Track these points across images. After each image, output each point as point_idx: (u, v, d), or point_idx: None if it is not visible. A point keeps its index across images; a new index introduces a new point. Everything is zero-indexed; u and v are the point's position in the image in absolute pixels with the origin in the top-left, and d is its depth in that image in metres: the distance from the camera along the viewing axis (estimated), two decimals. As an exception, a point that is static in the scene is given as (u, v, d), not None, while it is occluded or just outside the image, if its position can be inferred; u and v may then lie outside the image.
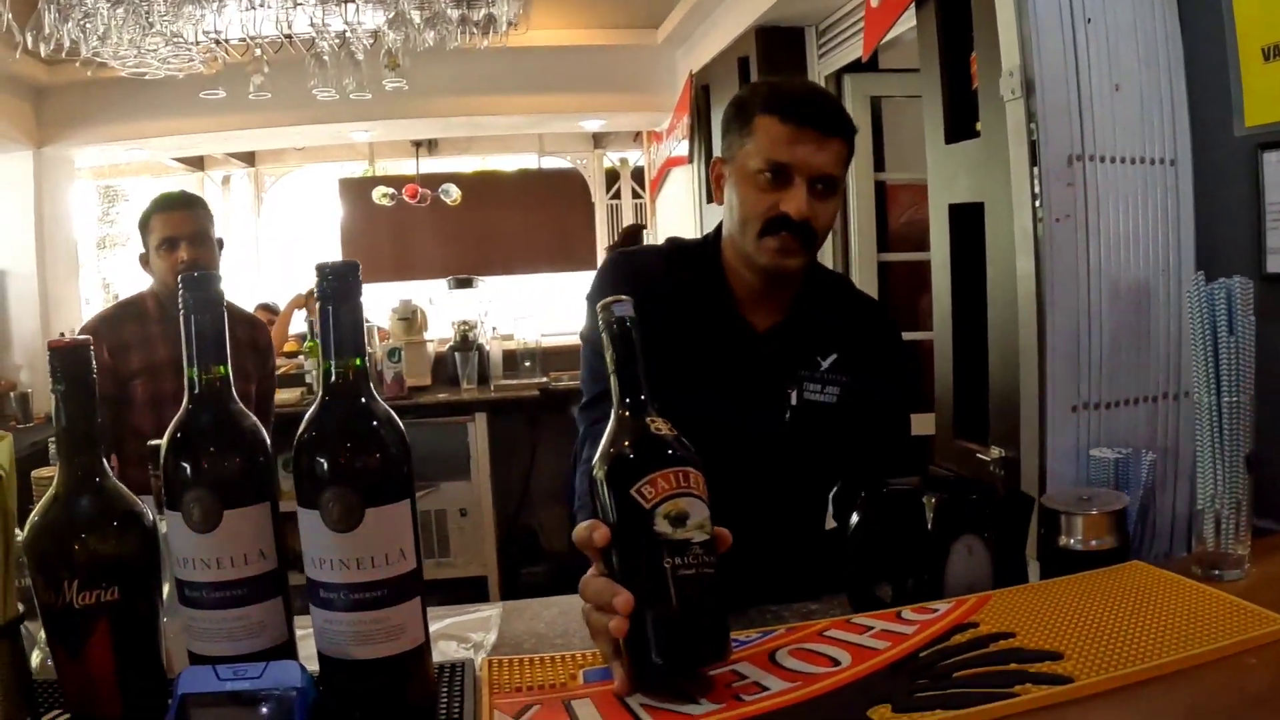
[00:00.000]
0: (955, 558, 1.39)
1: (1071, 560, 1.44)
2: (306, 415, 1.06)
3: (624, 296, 1.20)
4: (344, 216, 8.33)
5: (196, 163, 8.15)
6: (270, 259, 8.56)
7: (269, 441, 1.11)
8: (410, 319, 5.28)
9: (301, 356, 5.38)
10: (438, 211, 8.09)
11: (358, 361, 1.05)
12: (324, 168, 8.63)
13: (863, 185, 3.82)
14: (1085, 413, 1.78)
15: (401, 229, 8.32)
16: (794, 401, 1.74)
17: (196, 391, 1.07)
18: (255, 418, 1.11)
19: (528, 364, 5.63)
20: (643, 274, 1.78)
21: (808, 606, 1.61)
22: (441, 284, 6.56)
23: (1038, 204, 1.75)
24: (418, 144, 8.11)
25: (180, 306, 1.06)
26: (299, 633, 1.12)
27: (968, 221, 2.30)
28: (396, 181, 8.12)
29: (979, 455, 2.18)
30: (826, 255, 3.85)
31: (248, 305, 6.07)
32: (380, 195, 7.96)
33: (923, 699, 1.04)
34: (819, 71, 3.91)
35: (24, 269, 5.36)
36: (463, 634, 1.60)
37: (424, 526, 5.06)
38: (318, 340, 5.09)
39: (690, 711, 1.05)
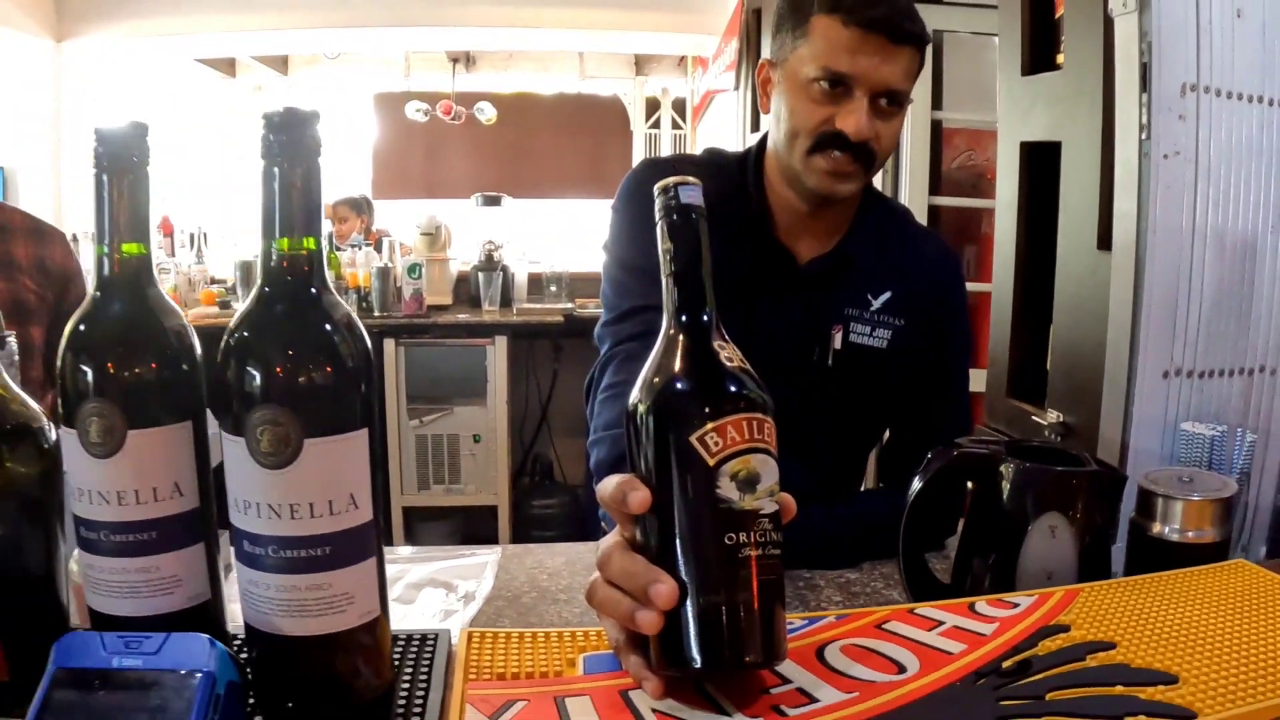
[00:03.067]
0: (1034, 539, 1.17)
1: (1164, 552, 1.22)
2: (238, 311, 0.83)
3: (692, 180, 0.93)
4: (376, 131, 8.25)
5: (227, 68, 8.01)
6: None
7: (197, 347, 0.87)
8: (433, 234, 5.08)
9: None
10: (472, 130, 8.03)
11: (310, 243, 0.81)
12: (358, 79, 8.42)
13: (919, 122, 3.62)
14: (1178, 380, 1.55)
15: (434, 146, 8.27)
16: (838, 344, 1.56)
17: (106, 273, 0.84)
18: (180, 315, 0.87)
19: (553, 289, 5.42)
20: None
21: (845, 575, 1.43)
22: (470, 203, 6.43)
23: (1145, 136, 1.51)
24: (454, 59, 7.97)
25: (93, 165, 0.83)
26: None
27: (1040, 163, 2.09)
28: (431, 98, 7.99)
29: (1034, 418, 1.99)
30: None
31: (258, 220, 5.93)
32: (414, 110, 7.83)
33: (1010, 726, 0.81)
34: (882, -3, 3.66)
35: (39, 167, 5.20)
36: (452, 581, 1.43)
37: (435, 451, 4.92)
38: (336, 251, 4.96)
39: (732, 678, 0.85)
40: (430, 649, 0.99)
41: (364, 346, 0.83)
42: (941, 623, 1.01)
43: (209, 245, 5.48)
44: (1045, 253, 2.02)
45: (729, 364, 0.89)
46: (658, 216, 0.92)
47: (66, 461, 0.84)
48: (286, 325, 0.81)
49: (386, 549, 1.52)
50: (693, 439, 0.84)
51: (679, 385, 0.88)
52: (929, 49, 1.49)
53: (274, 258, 0.80)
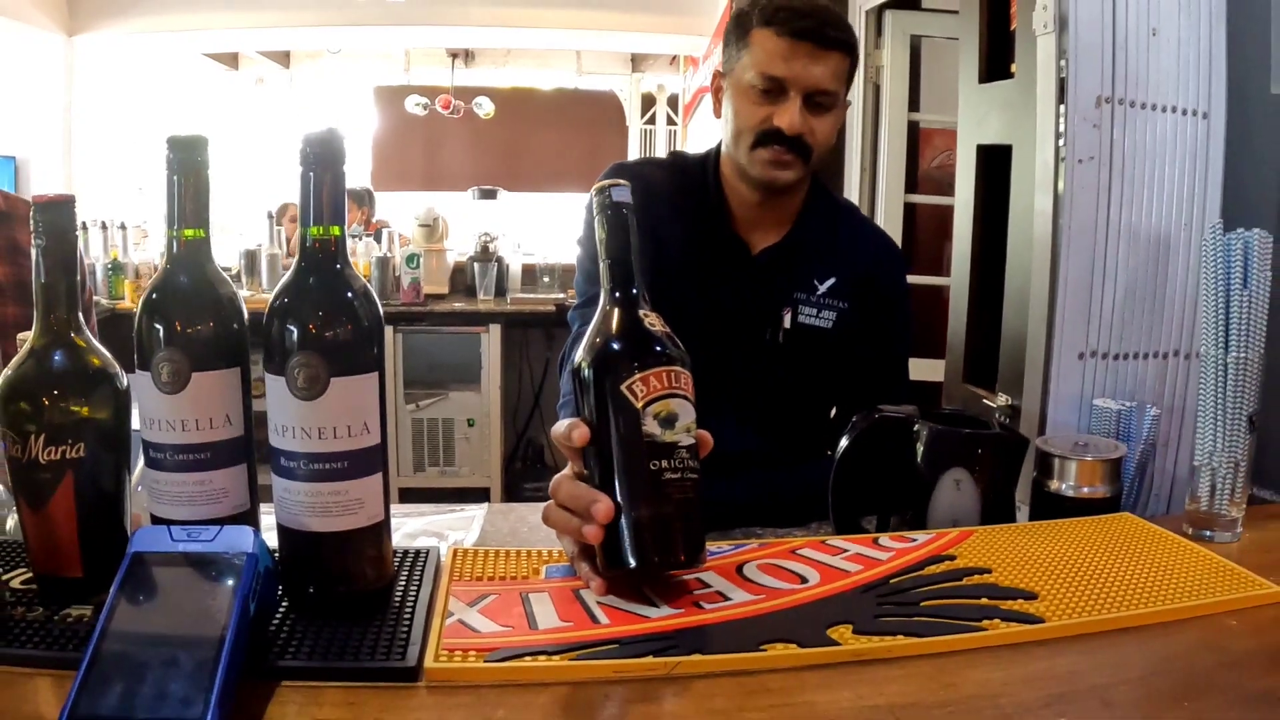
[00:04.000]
0: (942, 490, 1.37)
1: (1061, 506, 1.42)
2: (280, 281, 1.04)
3: (622, 181, 1.16)
4: (376, 124, 8.32)
5: (231, 60, 8.13)
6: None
7: (244, 309, 1.08)
8: (431, 226, 5.25)
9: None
10: (470, 124, 8.14)
11: (336, 230, 1.02)
12: (359, 73, 8.55)
13: (895, 124, 3.78)
14: (1092, 361, 1.74)
15: (432, 139, 8.37)
16: (787, 324, 1.74)
17: (175, 251, 1.05)
18: (231, 285, 1.09)
19: (546, 280, 5.60)
20: (642, 184, 1.70)
21: (792, 532, 1.61)
22: (467, 195, 6.55)
23: (1061, 143, 1.70)
24: (454, 54, 8.08)
25: (165, 167, 1.04)
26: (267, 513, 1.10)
27: (995, 164, 2.25)
28: (431, 92, 8.11)
29: (985, 401, 2.15)
30: (852, 191, 3.82)
31: (268, 206, 6.06)
32: (414, 104, 7.95)
33: (886, 623, 1.02)
34: (860, 5, 3.84)
35: (50, 158, 5.34)
36: (443, 531, 1.62)
37: (430, 434, 5.08)
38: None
39: (646, 614, 1.03)
40: (423, 560, 1.19)
41: (376, 309, 1.04)
42: (846, 550, 1.22)
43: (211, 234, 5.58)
44: (999, 248, 2.18)
45: (652, 329, 1.10)
46: (594, 212, 1.14)
47: (139, 398, 1.04)
48: (317, 292, 1.02)
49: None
50: (623, 387, 1.06)
51: (613, 345, 1.09)
52: (858, 53, 1.72)
53: (308, 241, 1.02)
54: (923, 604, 1.06)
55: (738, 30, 1.69)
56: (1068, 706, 0.91)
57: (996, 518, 1.37)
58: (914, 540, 1.25)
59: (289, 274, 1.03)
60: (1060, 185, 1.70)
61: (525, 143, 8.25)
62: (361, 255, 5.18)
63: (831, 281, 1.76)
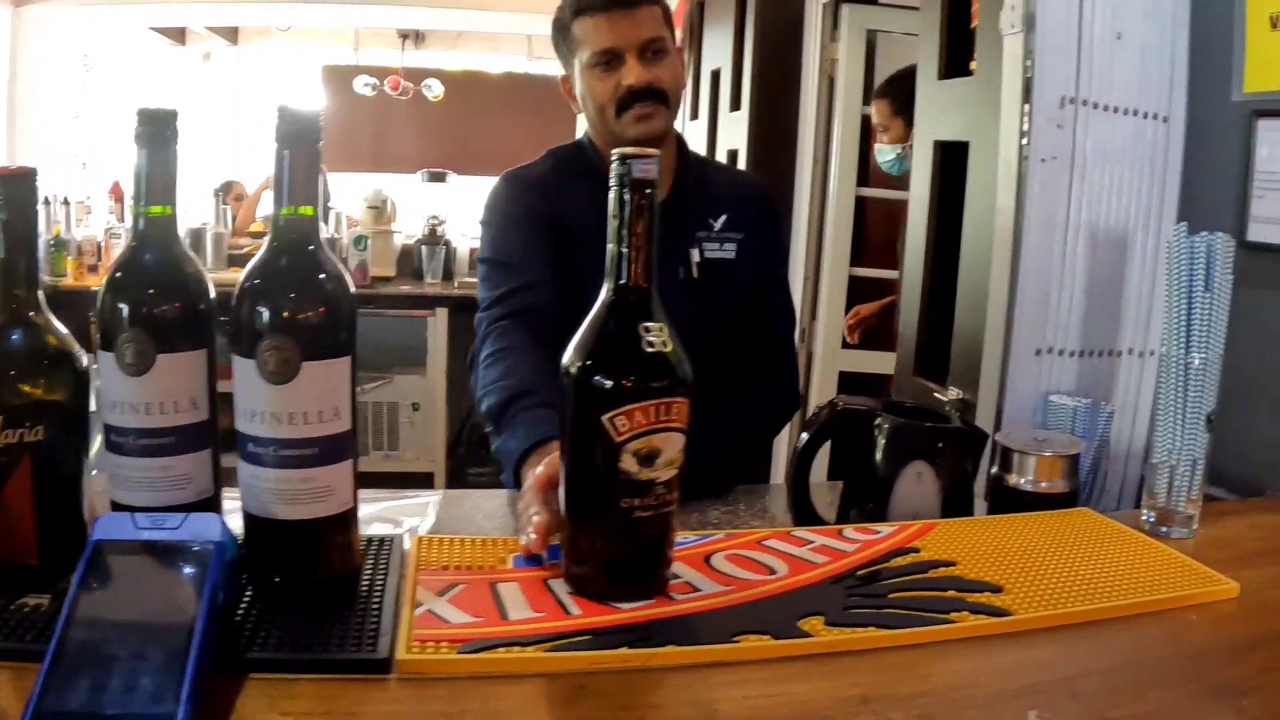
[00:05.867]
0: (904, 483, 1.37)
1: (1020, 500, 1.43)
2: (251, 261, 1.01)
3: (651, 151, 1.01)
4: (325, 104, 8.25)
5: (178, 35, 8.02)
6: (248, 139, 8.41)
7: (212, 289, 1.06)
8: (379, 208, 5.22)
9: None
10: (419, 106, 8.10)
11: (309, 210, 1.00)
12: (308, 53, 8.47)
13: (849, 117, 3.76)
14: (1049, 358, 1.76)
15: (381, 121, 8.29)
16: (697, 259, 1.88)
17: (141, 228, 1.03)
18: (198, 264, 1.07)
19: (494, 264, 5.50)
20: (538, 184, 1.93)
21: (749, 523, 1.62)
22: (416, 178, 6.51)
23: (1024, 142, 1.71)
24: (404, 35, 8.03)
25: (134, 141, 1.01)
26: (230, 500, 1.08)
27: (952, 160, 2.27)
28: (380, 73, 8.06)
29: (936, 395, 2.17)
30: (803, 184, 3.82)
31: (213, 183, 5.98)
32: (362, 85, 7.90)
33: (857, 615, 1.02)
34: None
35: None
36: (397, 518, 1.61)
37: (375, 418, 5.06)
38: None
39: (617, 604, 1.03)
40: (389, 547, 1.18)
41: (348, 292, 1.03)
42: (812, 541, 1.22)
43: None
44: (953, 243, 2.20)
45: (649, 349, 1.00)
46: (612, 183, 1.00)
47: (103, 379, 1.02)
48: (290, 273, 1.00)
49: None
50: (604, 419, 0.99)
51: (600, 367, 1.00)
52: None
53: (280, 220, 1.00)
54: (891, 596, 1.07)
55: (562, 35, 1.86)
56: (1038, 697, 0.91)
57: (957, 511, 1.38)
58: (878, 533, 1.26)
59: (260, 254, 1.01)
60: (1022, 183, 1.71)
61: (475, 126, 8.19)
62: (309, 236, 5.08)
63: (725, 217, 1.91)
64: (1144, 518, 1.40)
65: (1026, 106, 1.71)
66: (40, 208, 1.04)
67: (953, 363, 2.15)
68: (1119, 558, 1.22)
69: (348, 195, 6.17)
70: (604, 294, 1.04)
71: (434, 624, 0.98)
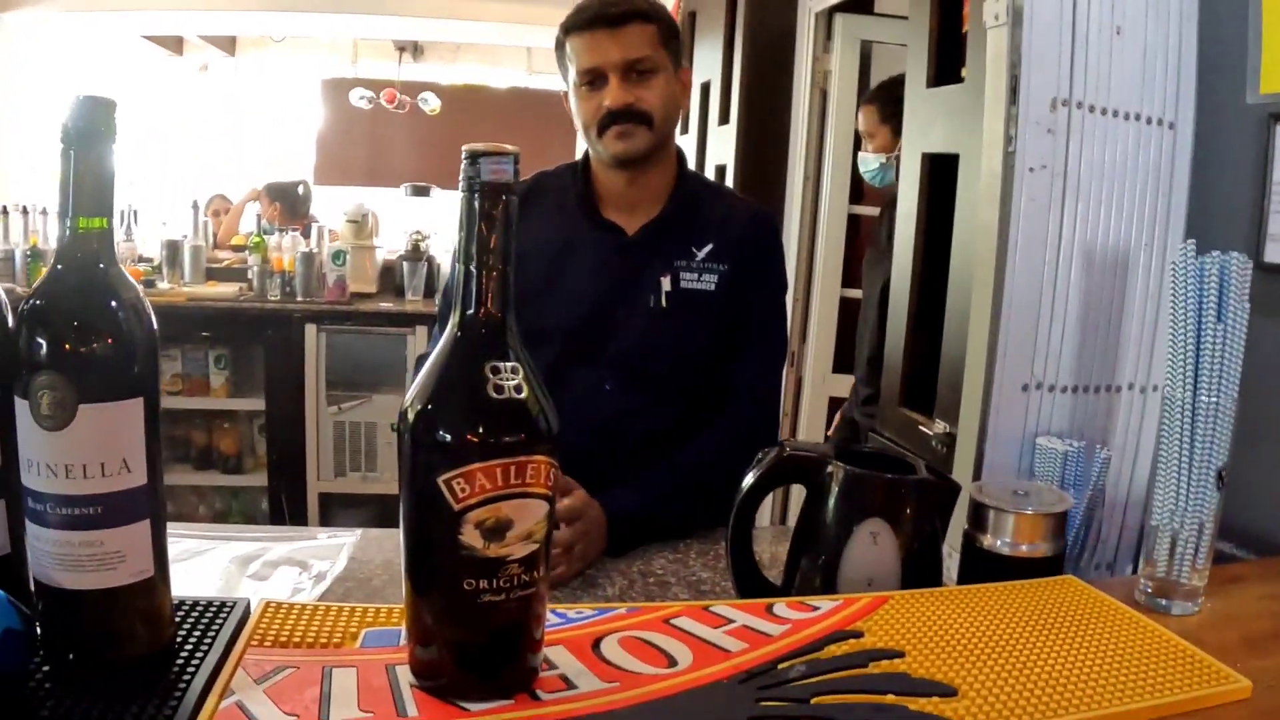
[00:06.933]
0: (856, 544, 1.17)
1: (996, 565, 1.22)
2: (36, 283, 0.82)
3: (510, 147, 0.83)
4: (321, 117, 8.19)
5: (175, 45, 7.94)
6: (243, 150, 8.30)
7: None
8: (359, 222, 5.04)
9: (247, 251, 5.12)
10: (416, 119, 8.05)
11: (101, 223, 0.82)
12: (307, 65, 8.37)
13: (842, 132, 3.61)
14: (1038, 394, 1.56)
15: (376, 134, 8.25)
16: (667, 287, 1.81)
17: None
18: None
19: (479, 281, 5.35)
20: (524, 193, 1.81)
21: (697, 574, 1.49)
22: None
23: (1011, 149, 1.51)
24: (401, 48, 7.94)
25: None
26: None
27: (941, 173, 2.08)
28: (377, 85, 7.99)
29: (922, 428, 1.98)
30: (794, 200, 3.65)
31: (204, 196, 5.85)
32: (358, 97, 7.83)
33: (760, 728, 0.81)
34: (810, 7, 3.66)
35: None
36: (306, 560, 1.47)
37: (352, 438, 4.88)
38: (263, 234, 4.92)
39: (467, 706, 0.82)
40: (225, 615, 1.00)
41: (146, 321, 0.84)
42: (732, 621, 1.01)
43: (139, 224, 5.41)
44: (943, 263, 2.02)
45: (496, 395, 0.81)
46: (461, 188, 0.83)
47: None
48: (71, 298, 0.82)
49: (251, 527, 1.54)
50: (440, 481, 0.79)
51: (436, 416, 0.81)
52: (662, 15, 1.80)
53: (67, 235, 0.82)
54: (813, 701, 0.85)
55: (558, 52, 1.84)
56: None
57: (919, 577, 1.18)
58: (816, 609, 1.04)
59: (44, 275, 0.83)
60: (1008, 196, 1.51)
61: (471, 140, 8.04)
62: (288, 250, 4.92)
63: (709, 247, 1.84)
64: (1140, 588, 1.19)
65: (1013, 109, 1.51)
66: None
67: (939, 394, 1.96)
68: (1105, 645, 1.01)
69: (339, 209, 6.04)
70: (450, 325, 0.84)
71: (237, 722, 0.78)
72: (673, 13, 4.85)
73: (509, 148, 0.83)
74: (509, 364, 0.82)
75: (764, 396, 1.91)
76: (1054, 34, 1.52)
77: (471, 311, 0.82)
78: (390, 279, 5.29)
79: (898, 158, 3.04)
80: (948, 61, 2.16)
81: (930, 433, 1.90)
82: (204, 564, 1.45)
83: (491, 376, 0.81)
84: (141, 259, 5.21)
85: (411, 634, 0.86)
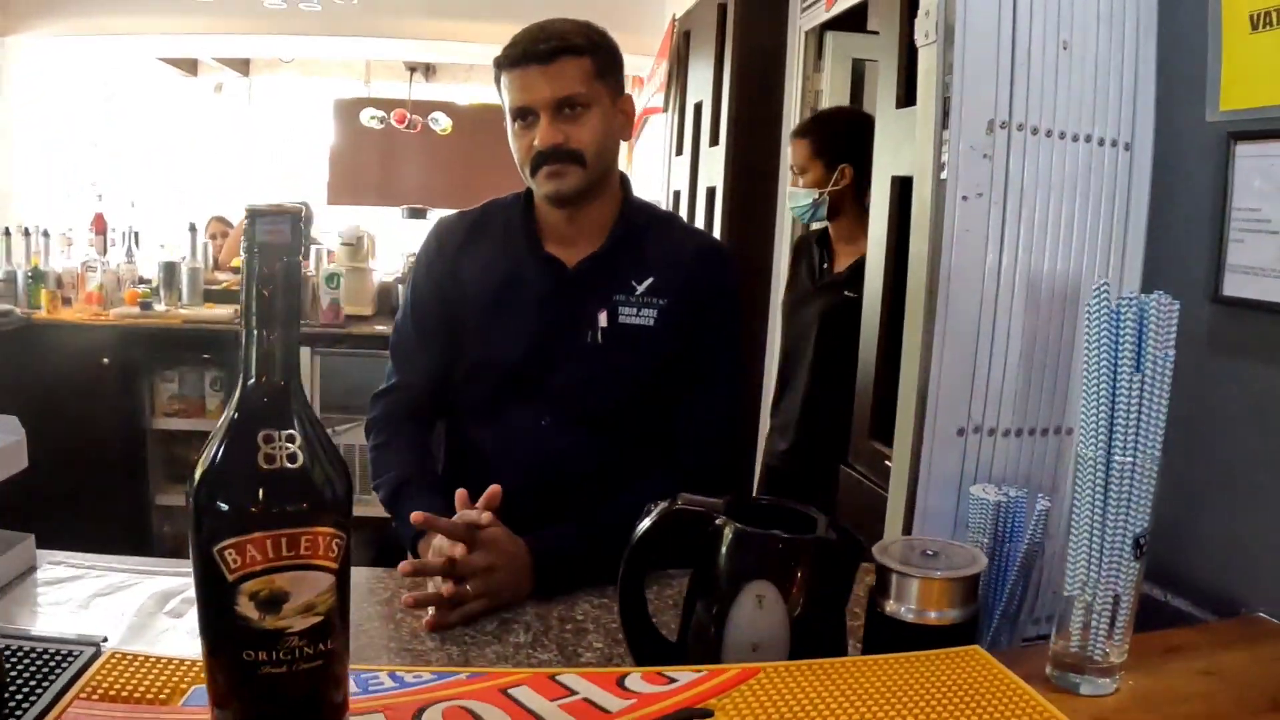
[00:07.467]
0: (741, 608, 1.07)
1: (900, 633, 1.11)
2: None
3: (290, 206, 0.77)
4: (334, 137, 8.20)
5: (189, 67, 7.97)
6: (254, 170, 8.32)
7: None
8: (354, 245, 4.97)
9: (245, 274, 5.07)
10: (427, 139, 8.02)
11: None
12: (320, 86, 8.41)
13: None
14: (975, 438, 1.45)
15: (387, 154, 8.24)
16: (604, 323, 1.76)
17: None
18: None
19: (476, 304, 5.28)
20: (450, 238, 1.88)
21: (617, 621, 1.34)
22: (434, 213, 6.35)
23: (942, 176, 1.41)
24: (412, 69, 7.94)
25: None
26: None
27: (907, 197, 1.99)
28: (389, 105, 7.99)
29: (887, 462, 1.88)
30: (785, 228, 3.54)
31: (204, 216, 5.83)
32: (369, 117, 7.83)
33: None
34: (800, 26, 3.56)
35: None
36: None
37: (347, 461, 4.78)
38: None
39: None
40: (68, 664, 0.97)
41: None
42: (575, 693, 0.91)
43: (140, 246, 5.38)
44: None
45: (268, 466, 0.76)
46: (242, 250, 0.77)
47: None
48: None
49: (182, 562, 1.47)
50: (215, 550, 0.74)
51: (210, 486, 0.76)
52: (600, 49, 1.73)
53: None
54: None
55: (497, 85, 1.76)
56: None
57: (815, 645, 1.07)
58: (673, 682, 0.94)
59: None
60: (938, 225, 1.41)
61: (482, 160, 8.00)
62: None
63: (650, 281, 1.78)
64: (1051, 664, 1.08)
65: (944, 133, 1.41)
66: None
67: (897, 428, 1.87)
68: (989, 732, 0.91)
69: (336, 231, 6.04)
70: (239, 394, 0.78)
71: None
72: (666, 35, 4.80)
73: (289, 206, 0.77)
74: (285, 432, 0.77)
75: (711, 439, 1.81)
76: (990, 51, 1.42)
77: (253, 381, 0.77)
78: (386, 301, 5.23)
79: (830, 194, 2.95)
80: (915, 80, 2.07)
81: (893, 465, 1.81)
82: (122, 600, 1.40)
83: (264, 445, 0.76)
84: (141, 280, 5.18)
85: (210, 697, 0.80)
